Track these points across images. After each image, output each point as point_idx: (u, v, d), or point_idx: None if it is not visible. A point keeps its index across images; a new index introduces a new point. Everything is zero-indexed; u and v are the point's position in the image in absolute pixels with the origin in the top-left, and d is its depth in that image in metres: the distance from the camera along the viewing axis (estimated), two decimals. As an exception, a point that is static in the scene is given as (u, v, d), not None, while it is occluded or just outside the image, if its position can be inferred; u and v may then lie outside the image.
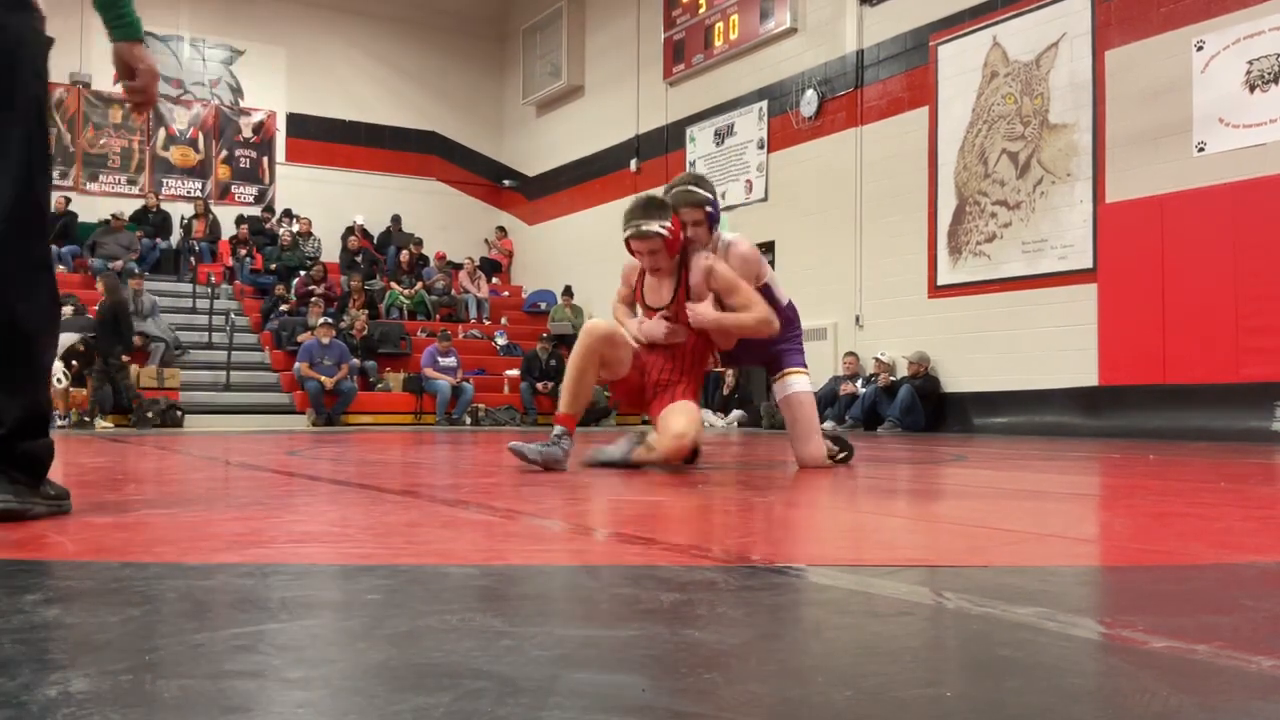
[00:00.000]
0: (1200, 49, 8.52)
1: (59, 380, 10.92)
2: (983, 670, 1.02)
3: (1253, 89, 8.20)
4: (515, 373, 14.34)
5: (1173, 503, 2.86)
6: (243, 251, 15.64)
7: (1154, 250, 8.69)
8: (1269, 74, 8.11)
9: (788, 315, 4.07)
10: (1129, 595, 1.54)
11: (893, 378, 10.68)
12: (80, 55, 15.96)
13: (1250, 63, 8.22)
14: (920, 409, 10.21)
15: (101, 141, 16.07)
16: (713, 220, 3.98)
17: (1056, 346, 9.46)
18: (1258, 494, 3.24)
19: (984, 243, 10.21)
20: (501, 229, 18.36)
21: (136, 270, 13.54)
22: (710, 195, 3.99)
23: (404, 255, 16.33)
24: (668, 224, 3.77)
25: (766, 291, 3.97)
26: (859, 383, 11.02)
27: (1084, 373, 9.19)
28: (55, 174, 15.66)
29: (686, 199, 3.90)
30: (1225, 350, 8.18)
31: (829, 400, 11.07)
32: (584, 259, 15.91)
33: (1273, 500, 3.06)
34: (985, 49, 10.24)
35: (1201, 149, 8.48)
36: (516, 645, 1.07)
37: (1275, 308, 7.91)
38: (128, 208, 15.52)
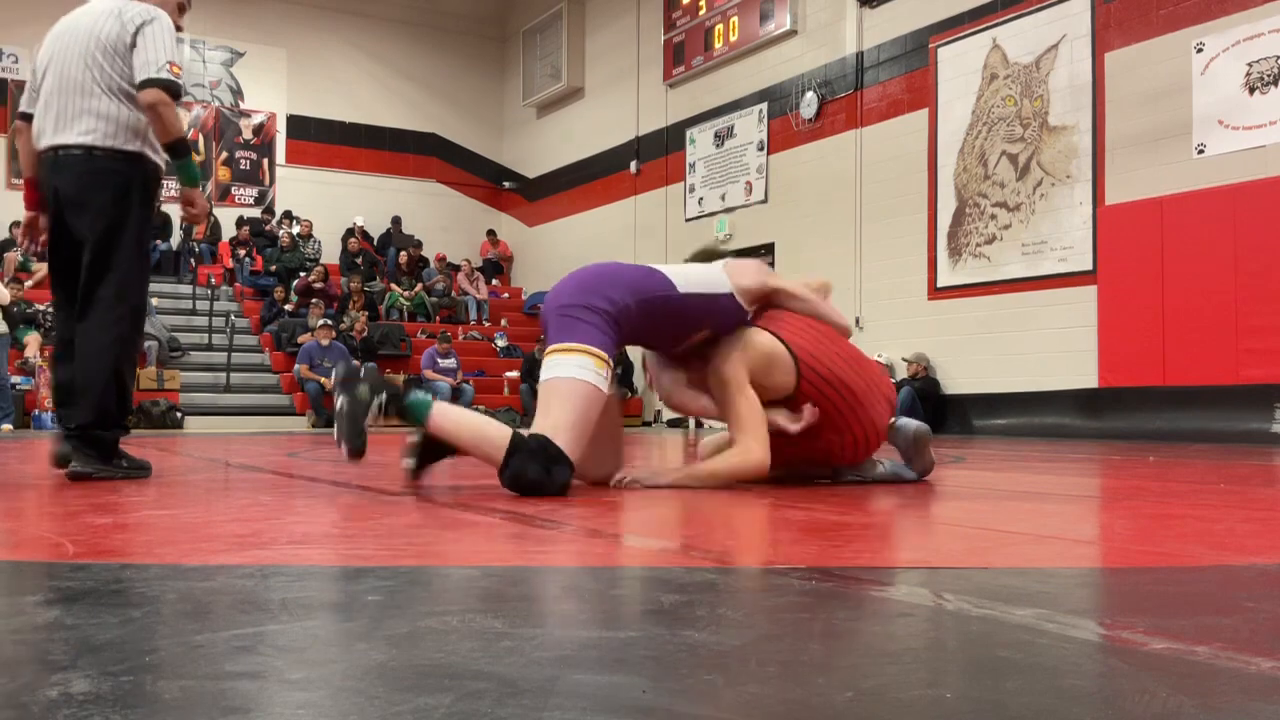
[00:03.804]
0: (1200, 51, 8.53)
1: None
2: (983, 671, 1.02)
3: (1252, 91, 8.20)
4: (515, 374, 14.34)
5: (1173, 504, 2.86)
6: (243, 253, 15.65)
7: (1154, 252, 8.69)
8: (1269, 76, 8.11)
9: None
10: (1129, 597, 1.54)
11: (893, 379, 10.69)
12: (80, 57, 15.97)
13: (1250, 65, 8.23)
14: (920, 410, 10.21)
15: (102, 143, 16.06)
16: None
17: (1056, 348, 9.47)
18: (1258, 495, 3.24)
19: (984, 244, 10.21)
20: (491, 232, 18.32)
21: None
22: None
23: (404, 257, 16.34)
24: None
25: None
26: (859, 384, 11.02)
27: (1084, 374, 9.20)
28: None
29: None
30: (1225, 352, 8.18)
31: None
32: (584, 260, 15.75)
33: (1273, 502, 3.06)
34: (985, 51, 10.25)
35: (1201, 151, 8.49)
36: (517, 646, 1.07)
37: (1275, 309, 7.92)
38: (128, 209, 15.51)
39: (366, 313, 14.34)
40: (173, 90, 3.32)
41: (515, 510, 2.45)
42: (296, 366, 12.64)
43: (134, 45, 3.36)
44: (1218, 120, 8.39)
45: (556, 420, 2.71)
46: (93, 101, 3.35)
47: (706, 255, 3.51)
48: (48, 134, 3.41)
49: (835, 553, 2.00)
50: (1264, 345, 7.95)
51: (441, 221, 18.04)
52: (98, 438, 3.29)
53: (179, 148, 3.37)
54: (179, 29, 3.60)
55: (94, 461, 3.26)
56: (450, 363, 13.56)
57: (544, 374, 2.82)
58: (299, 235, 15.99)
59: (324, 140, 17.47)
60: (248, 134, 17.09)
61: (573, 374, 2.75)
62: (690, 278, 3.10)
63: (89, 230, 3.34)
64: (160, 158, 3.49)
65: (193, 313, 14.40)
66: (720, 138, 13.55)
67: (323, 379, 12.36)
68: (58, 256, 3.47)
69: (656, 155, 14.73)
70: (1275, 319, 7.91)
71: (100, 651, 1.05)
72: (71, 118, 3.35)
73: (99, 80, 3.35)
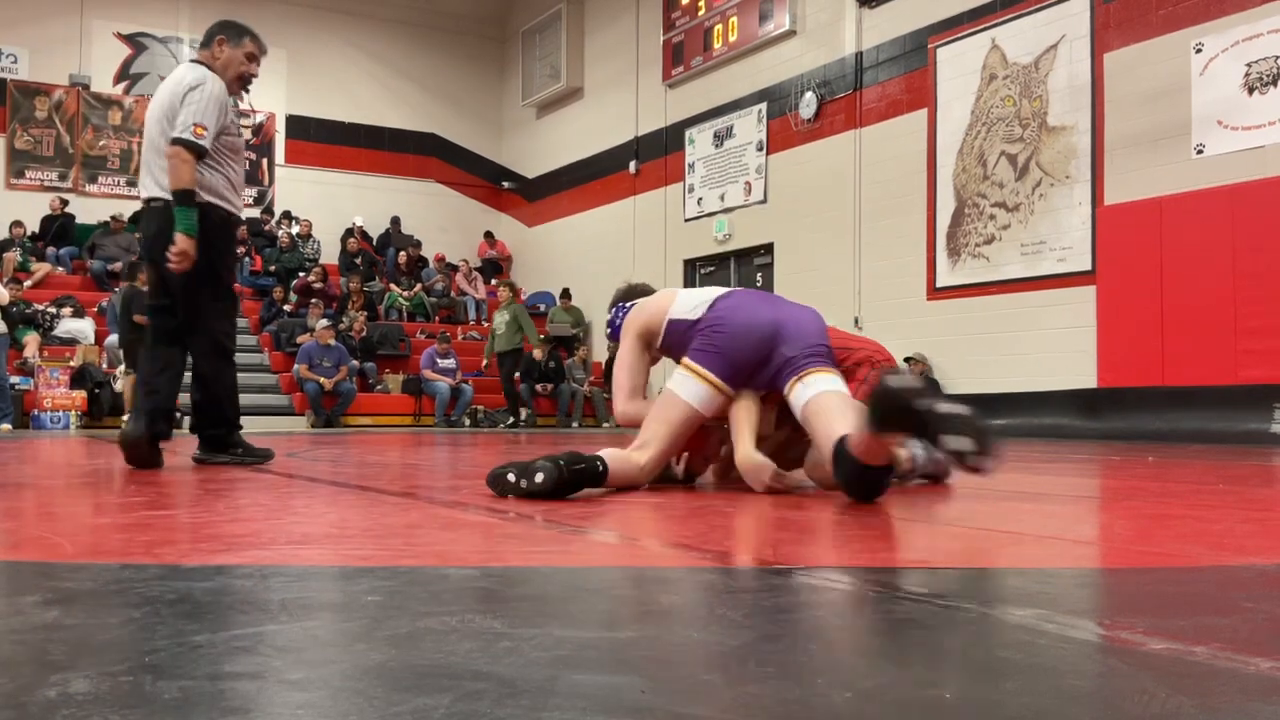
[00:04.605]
0: (1199, 51, 8.53)
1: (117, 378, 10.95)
2: (982, 672, 1.02)
3: (1251, 91, 8.20)
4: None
5: (1172, 505, 2.86)
6: (242, 253, 15.63)
7: (1153, 252, 8.69)
8: (1268, 76, 8.12)
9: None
10: (1128, 597, 1.54)
11: (892, 379, 10.67)
12: (80, 57, 15.96)
13: (1249, 65, 8.23)
14: (919, 411, 10.21)
15: (101, 143, 16.07)
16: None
17: (1055, 348, 9.47)
18: (1257, 496, 3.24)
19: (983, 245, 10.22)
20: (489, 233, 18.32)
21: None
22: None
23: (403, 257, 16.33)
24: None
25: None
26: (858, 384, 11.02)
27: (1083, 375, 9.20)
28: (54, 175, 15.85)
29: None
30: (1224, 352, 8.18)
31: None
32: (583, 261, 15.91)
33: (1272, 502, 3.06)
34: (984, 51, 10.25)
35: (1200, 151, 8.49)
36: (516, 646, 1.07)
37: (1274, 310, 7.92)
38: (127, 209, 15.48)
39: (365, 313, 14.34)
40: (192, 149, 3.79)
41: (515, 510, 2.45)
42: (296, 366, 12.63)
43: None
44: (1217, 120, 8.40)
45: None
46: (164, 160, 3.90)
47: (638, 291, 3.51)
48: (141, 189, 4.03)
49: (835, 553, 2.00)
50: (1263, 346, 7.95)
51: (441, 222, 18.03)
52: (208, 435, 4.15)
53: (181, 197, 3.78)
54: (254, 75, 4.16)
55: (207, 451, 4.12)
56: (449, 363, 13.56)
57: (827, 386, 2.92)
58: (298, 235, 15.99)
59: (323, 140, 17.46)
60: (247, 134, 17.07)
61: (840, 389, 2.93)
62: None
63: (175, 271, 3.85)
64: (231, 206, 4.02)
65: (192, 313, 14.36)
66: (719, 138, 13.55)
67: (321, 379, 12.36)
68: (162, 295, 4.00)
69: (656, 155, 14.73)
70: (1274, 319, 7.91)
71: (100, 651, 1.05)
72: (154, 175, 3.95)
73: (168, 142, 3.89)
